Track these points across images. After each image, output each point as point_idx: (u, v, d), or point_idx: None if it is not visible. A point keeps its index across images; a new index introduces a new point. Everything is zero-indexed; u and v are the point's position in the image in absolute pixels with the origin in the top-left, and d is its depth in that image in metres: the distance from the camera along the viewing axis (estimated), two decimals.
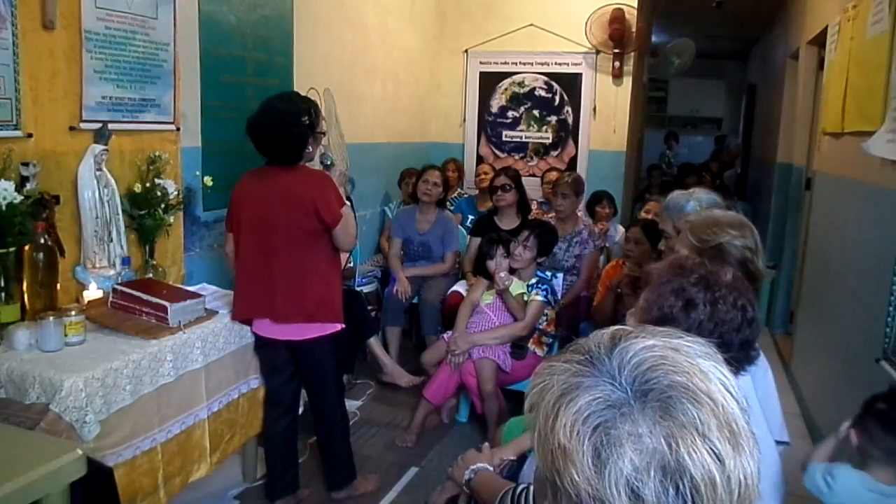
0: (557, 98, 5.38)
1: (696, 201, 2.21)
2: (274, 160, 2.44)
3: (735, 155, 8.89)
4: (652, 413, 0.65)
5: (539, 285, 3.33)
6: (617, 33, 5.01)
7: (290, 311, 2.43)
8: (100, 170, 2.39)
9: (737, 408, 0.68)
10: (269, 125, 2.37)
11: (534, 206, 4.52)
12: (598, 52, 5.17)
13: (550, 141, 5.44)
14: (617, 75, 5.18)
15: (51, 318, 1.97)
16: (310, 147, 2.48)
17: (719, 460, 0.64)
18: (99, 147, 2.38)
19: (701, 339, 0.74)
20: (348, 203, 2.54)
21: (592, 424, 0.66)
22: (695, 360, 0.70)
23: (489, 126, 5.58)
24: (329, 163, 2.67)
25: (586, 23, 5.05)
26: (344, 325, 2.56)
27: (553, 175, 4.76)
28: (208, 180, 3.01)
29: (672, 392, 0.66)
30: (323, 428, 2.66)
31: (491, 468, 1.59)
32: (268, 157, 2.46)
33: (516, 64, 5.42)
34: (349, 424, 2.77)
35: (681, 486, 0.63)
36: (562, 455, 0.66)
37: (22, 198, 2.06)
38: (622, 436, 0.65)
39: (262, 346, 2.54)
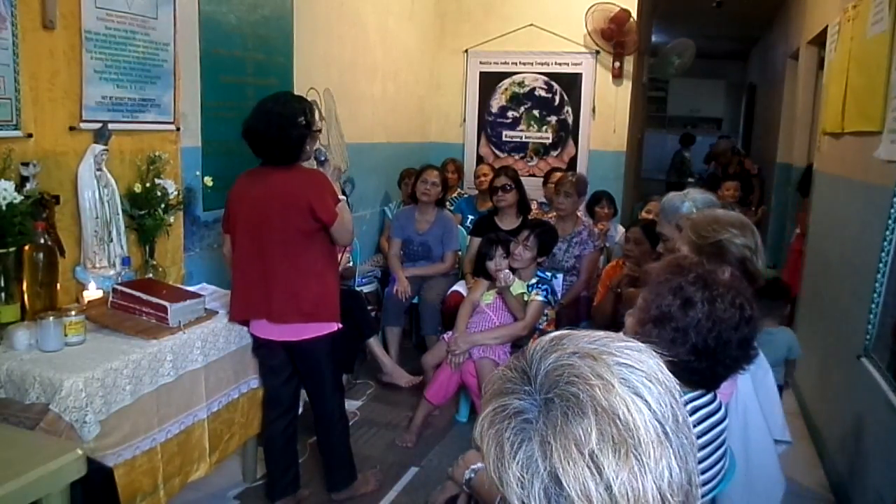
0: (557, 98, 5.38)
1: (690, 202, 2.21)
2: (270, 161, 2.44)
3: (720, 153, 7.67)
4: (550, 423, 0.65)
5: (539, 285, 3.33)
6: (610, 32, 5.00)
7: (287, 312, 2.43)
8: (100, 170, 2.39)
9: (648, 419, 0.66)
10: (266, 129, 2.36)
11: (534, 206, 4.52)
12: (598, 51, 5.17)
13: (550, 141, 5.44)
14: (617, 75, 5.18)
15: (51, 318, 1.98)
16: (308, 146, 2.48)
17: (598, 472, 0.63)
18: (99, 147, 2.38)
19: (644, 346, 0.72)
20: (344, 198, 2.54)
21: (494, 429, 0.68)
22: (608, 369, 0.68)
23: (489, 126, 5.57)
24: (323, 158, 2.66)
25: (586, 14, 5.03)
26: (341, 326, 2.55)
27: (557, 175, 4.75)
28: (208, 180, 3.02)
29: (565, 402, 0.66)
30: (322, 428, 2.66)
31: None
32: (265, 159, 2.45)
33: (516, 64, 5.42)
34: (349, 424, 2.77)
35: (556, 498, 0.63)
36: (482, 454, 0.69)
37: (22, 198, 2.06)
38: (514, 443, 0.66)
39: (260, 347, 2.54)
